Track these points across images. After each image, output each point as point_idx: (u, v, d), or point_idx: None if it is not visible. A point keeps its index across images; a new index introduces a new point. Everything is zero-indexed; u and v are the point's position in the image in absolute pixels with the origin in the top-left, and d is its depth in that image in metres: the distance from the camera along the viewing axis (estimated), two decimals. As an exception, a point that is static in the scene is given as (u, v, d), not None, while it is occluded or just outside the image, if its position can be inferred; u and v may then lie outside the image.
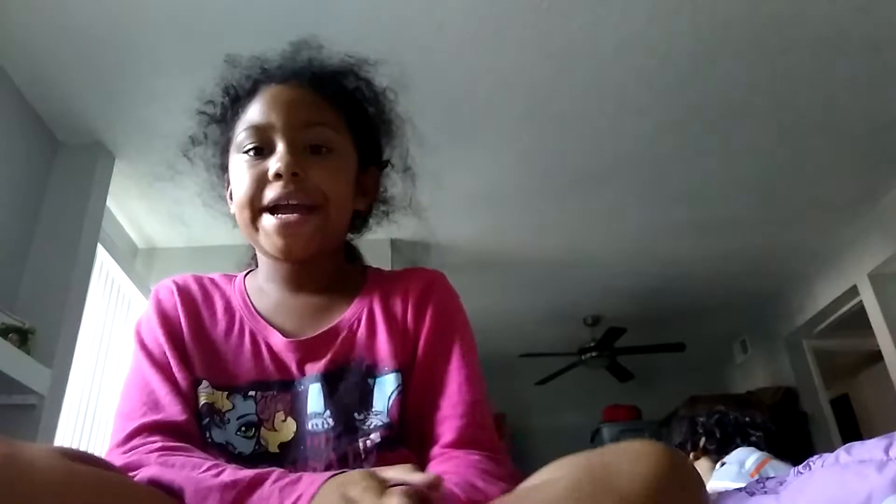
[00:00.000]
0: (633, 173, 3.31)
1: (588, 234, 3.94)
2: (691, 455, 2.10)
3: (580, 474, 0.63)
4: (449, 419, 0.89)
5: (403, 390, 0.91)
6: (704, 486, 0.71)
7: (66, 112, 2.68)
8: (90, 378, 2.92)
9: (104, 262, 3.09)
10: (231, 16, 2.27)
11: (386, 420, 0.89)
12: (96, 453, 0.72)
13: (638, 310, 5.05)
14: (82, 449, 0.74)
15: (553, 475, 0.65)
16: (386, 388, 0.91)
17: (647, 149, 3.11)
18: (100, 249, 2.94)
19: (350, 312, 0.97)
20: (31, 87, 2.55)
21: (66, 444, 2.46)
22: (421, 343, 0.95)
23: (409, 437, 0.91)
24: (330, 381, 0.90)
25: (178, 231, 3.53)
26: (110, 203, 3.07)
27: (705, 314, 5.19)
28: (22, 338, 2.28)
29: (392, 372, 0.92)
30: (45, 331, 2.41)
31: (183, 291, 1.00)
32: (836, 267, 4.14)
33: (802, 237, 4.06)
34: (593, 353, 5.23)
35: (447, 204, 3.40)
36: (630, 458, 0.63)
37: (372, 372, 0.92)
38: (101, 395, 2.99)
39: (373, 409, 0.90)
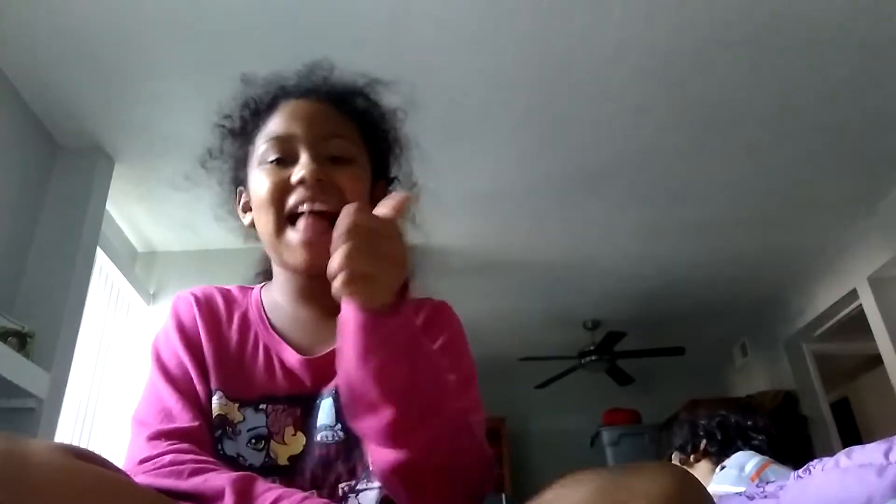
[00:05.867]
0: (633, 174, 3.31)
1: (588, 237, 3.94)
2: (691, 457, 2.09)
3: (592, 491, 0.63)
4: None
5: None
6: None
7: (65, 116, 2.68)
8: (89, 381, 2.92)
9: (103, 266, 3.08)
10: (231, 17, 2.27)
11: None
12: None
13: (638, 313, 5.05)
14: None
15: (566, 493, 0.66)
16: None
17: (646, 149, 3.11)
18: (99, 253, 2.94)
19: None
20: (30, 91, 2.55)
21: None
22: None
23: None
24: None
25: (178, 235, 3.52)
26: (110, 207, 3.06)
27: (705, 318, 5.19)
28: (21, 341, 2.28)
29: None
30: (44, 334, 2.41)
31: (202, 304, 1.01)
32: (836, 270, 4.13)
33: (802, 240, 4.06)
34: (593, 357, 5.22)
35: (446, 206, 3.40)
36: (644, 478, 0.63)
37: None
38: (101, 399, 2.99)
39: None
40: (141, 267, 3.63)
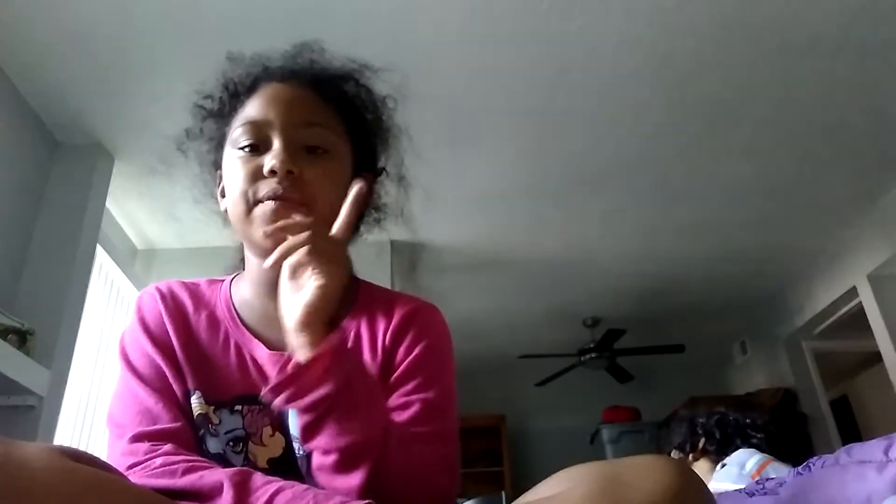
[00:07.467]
0: (633, 174, 3.31)
1: (587, 235, 3.94)
2: (690, 456, 2.09)
3: (592, 487, 0.63)
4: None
5: None
6: (714, 502, 0.72)
7: (65, 113, 2.67)
8: (89, 379, 2.91)
9: (103, 264, 3.08)
10: (230, 15, 2.27)
11: None
12: (95, 453, 0.72)
13: (637, 311, 5.05)
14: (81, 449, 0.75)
15: (564, 487, 0.66)
16: None
17: (646, 149, 3.11)
18: (99, 250, 2.94)
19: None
20: (30, 88, 2.54)
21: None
22: (395, 373, 0.92)
23: None
24: None
25: (178, 232, 3.52)
26: (109, 204, 3.06)
27: (705, 315, 5.19)
28: (21, 339, 2.28)
29: None
30: (44, 332, 2.41)
31: (167, 300, 0.97)
32: (836, 268, 4.14)
33: (802, 238, 4.05)
34: (593, 355, 5.23)
35: (446, 205, 3.40)
36: (642, 472, 0.64)
37: None
38: (101, 396, 2.99)
39: None
40: (140, 264, 3.63)
